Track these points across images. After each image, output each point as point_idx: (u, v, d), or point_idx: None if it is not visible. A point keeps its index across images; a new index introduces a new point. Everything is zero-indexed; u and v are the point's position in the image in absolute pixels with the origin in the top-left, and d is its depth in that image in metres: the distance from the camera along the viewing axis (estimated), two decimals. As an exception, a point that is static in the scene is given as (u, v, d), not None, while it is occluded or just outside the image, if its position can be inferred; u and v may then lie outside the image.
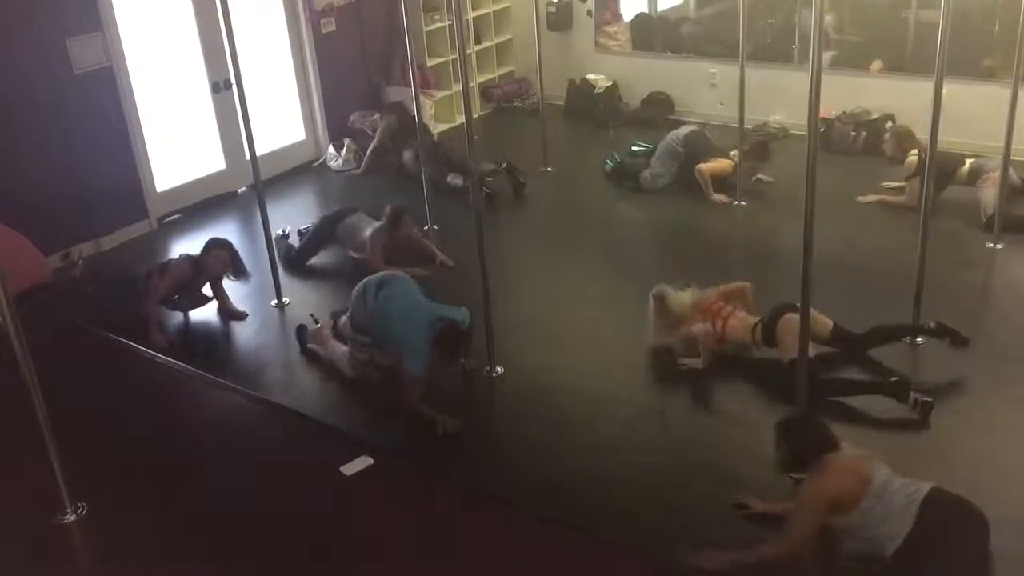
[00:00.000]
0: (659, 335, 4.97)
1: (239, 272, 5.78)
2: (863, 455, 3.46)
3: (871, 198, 6.86)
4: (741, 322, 4.81)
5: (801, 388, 3.94)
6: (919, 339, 4.93)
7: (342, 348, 5.05)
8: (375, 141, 8.24)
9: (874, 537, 3.29)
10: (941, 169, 6.39)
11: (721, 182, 7.15)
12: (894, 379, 4.43)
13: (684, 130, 7.44)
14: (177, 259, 5.77)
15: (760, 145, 7.25)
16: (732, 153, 7.16)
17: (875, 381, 4.51)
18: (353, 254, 6.40)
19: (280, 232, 6.54)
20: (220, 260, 5.70)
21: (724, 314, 4.84)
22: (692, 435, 4.40)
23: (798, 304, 4.45)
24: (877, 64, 8.08)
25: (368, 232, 6.23)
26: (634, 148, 7.91)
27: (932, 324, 4.80)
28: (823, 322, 4.76)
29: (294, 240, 6.63)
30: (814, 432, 3.49)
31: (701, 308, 4.89)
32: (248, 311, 5.84)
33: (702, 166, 7.15)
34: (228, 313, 5.80)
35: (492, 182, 7.28)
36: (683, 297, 4.95)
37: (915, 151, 6.52)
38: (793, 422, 3.56)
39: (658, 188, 7.32)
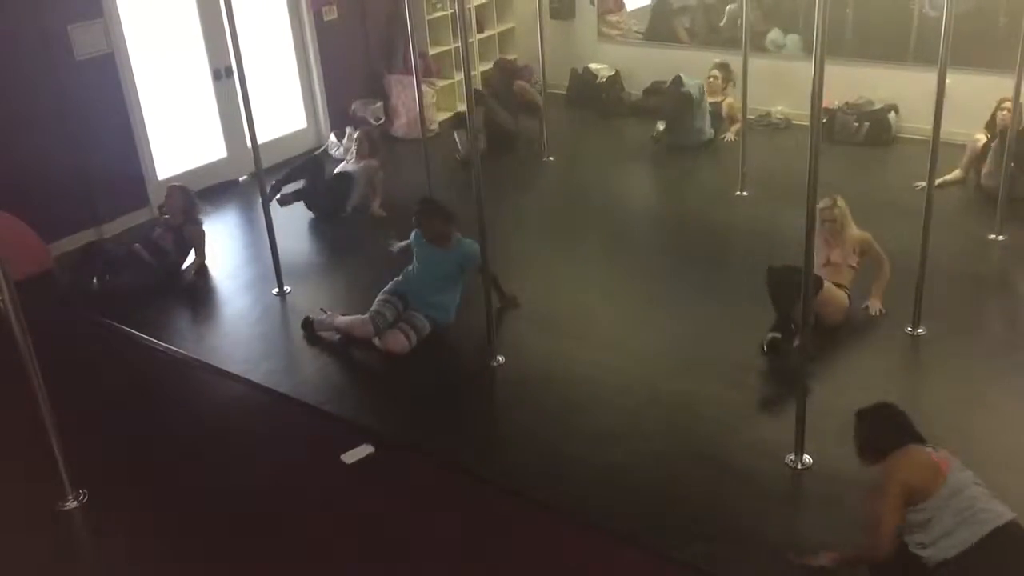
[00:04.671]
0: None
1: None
2: (945, 454, 3.28)
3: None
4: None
5: (801, 375, 3.93)
6: (920, 330, 4.93)
7: (352, 316, 5.21)
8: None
9: (926, 542, 3.12)
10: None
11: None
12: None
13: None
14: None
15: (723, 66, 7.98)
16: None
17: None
18: (350, 207, 6.87)
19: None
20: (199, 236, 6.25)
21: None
22: (694, 424, 4.40)
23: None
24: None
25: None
26: (660, 129, 8.01)
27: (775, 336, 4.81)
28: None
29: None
30: (892, 421, 3.37)
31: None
32: (249, 299, 5.85)
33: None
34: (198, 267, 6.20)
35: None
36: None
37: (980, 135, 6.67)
38: (871, 410, 3.43)
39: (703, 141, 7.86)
